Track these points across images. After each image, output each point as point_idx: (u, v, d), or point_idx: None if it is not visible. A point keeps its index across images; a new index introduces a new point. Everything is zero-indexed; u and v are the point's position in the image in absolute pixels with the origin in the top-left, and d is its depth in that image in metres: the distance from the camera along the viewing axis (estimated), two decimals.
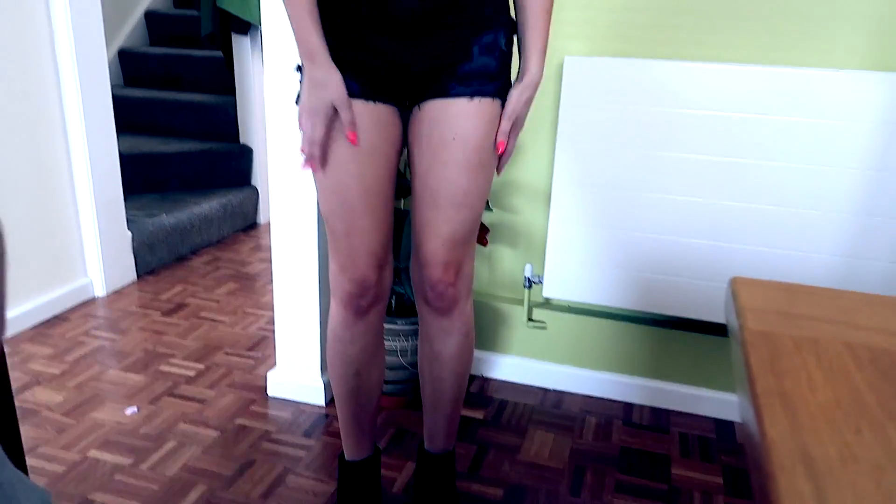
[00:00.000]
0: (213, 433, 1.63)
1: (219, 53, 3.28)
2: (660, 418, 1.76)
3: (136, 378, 1.85)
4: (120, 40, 3.49)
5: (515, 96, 1.11)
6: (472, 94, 1.08)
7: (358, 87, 1.08)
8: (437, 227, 1.14)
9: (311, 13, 1.02)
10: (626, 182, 1.67)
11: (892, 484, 0.35)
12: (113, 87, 3.41)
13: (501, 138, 1.12)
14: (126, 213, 2.62)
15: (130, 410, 1.71)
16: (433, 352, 1.27)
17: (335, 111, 1.05)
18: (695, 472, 1.56)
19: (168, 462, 1.52)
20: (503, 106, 1.12)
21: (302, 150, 1.09)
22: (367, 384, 1.29)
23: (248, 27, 2.87)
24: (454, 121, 1.09)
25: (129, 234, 2.43)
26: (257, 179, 3.12)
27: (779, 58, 1.62)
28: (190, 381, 1.85)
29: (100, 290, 2.34)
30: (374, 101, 1.09)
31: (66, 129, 2.19)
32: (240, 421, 1.68)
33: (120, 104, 3.21)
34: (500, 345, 1.94)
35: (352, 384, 1.28)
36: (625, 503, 1.44)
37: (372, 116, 1.10)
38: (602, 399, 1.84)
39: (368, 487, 1.37)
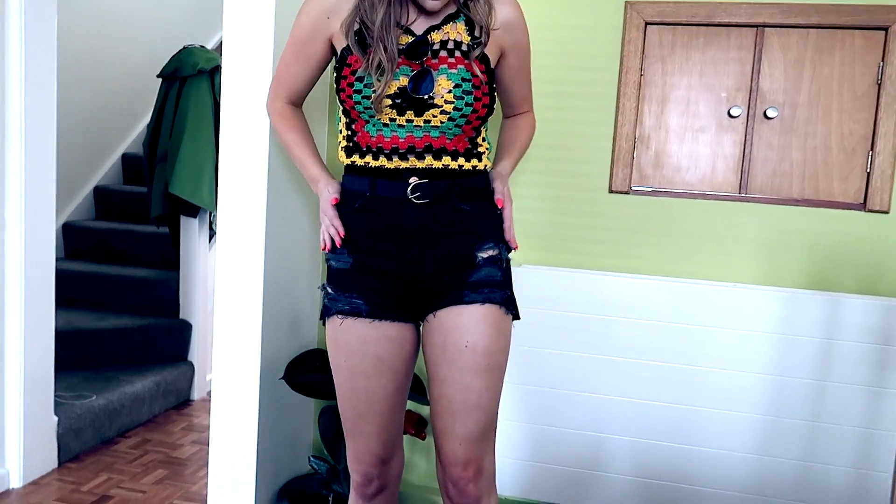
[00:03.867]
0: None
1: (165, 229, 3.37)
2: None
3: None
4: (66, 214, 3.56)
5: (499, 185, 1.32)
6: (483, 301, 1.23)
7: (368, 308, 1.23)
8: (455, 430, 1.23)
9: (303, 149, 1.35)
10: (553, 381, 1.78)
11: None
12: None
13: (504, 204, 1.31)
14: (54, 394, 2.55)
15: None
16: None
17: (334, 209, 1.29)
18: None
19: None
20: (508, 315, 1.26)
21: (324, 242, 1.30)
22: None
23: (198, 210, 2.99)
24: (466, 328, 1.22)
25: (56, 418, 2.35)
26: (194, 355, 3.11)
27: (686, 271, 1.81)
28: None
29: (16, 482, 2.21)
30: (383, 319, 1.24)
31: (3, 305, 2.17)
32: None
33: (59, 277, 3.20)
34: None
35: None
36: None
37: (380, 334, 1.24)
38: None
39: None
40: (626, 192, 1.82)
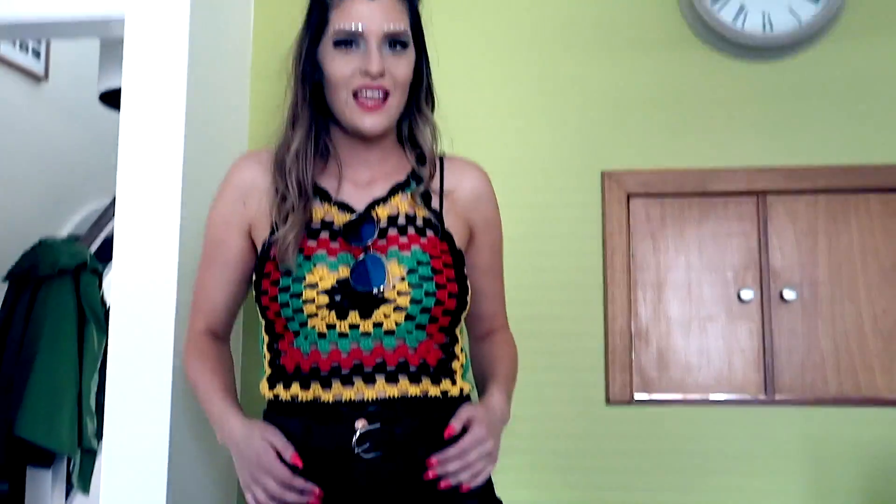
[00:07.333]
0: None
1: (4, 486, 2.66)
2: None
3: None
4: None
5: (468, 410, 0.98)
6: None
7: None
8: None
9: (216, 385, 1.04)
10: None
11: None
12: None
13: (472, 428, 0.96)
14: None
15: None
16: None
17: (276, 455, 0.94)
18: None
19: None
20: None
21: None
22: None
23: (53, 458, 2.38)
24: None
25: None
26: None
27: (708, 500, 1.48)
28: None
29: None
30: None
31: None
32: None
33: None
34: None
35: None
36: None
37: None
38: None
39: None
40: (628, 403, 1.49)
